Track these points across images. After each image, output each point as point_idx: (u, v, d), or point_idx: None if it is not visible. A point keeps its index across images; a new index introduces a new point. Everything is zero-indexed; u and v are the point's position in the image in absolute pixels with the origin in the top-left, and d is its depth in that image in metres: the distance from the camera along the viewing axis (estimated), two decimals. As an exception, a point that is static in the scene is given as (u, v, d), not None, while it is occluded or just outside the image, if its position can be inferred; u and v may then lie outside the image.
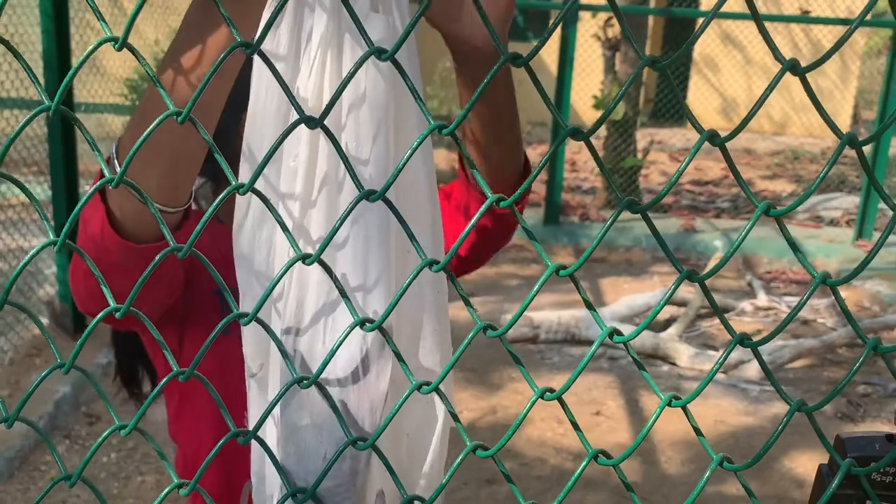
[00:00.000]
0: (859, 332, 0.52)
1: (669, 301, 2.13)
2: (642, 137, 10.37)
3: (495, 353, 3.76)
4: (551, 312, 3.84)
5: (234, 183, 0.45)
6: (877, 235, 5.26)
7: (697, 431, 0.53)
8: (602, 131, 6.37)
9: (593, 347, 0.50)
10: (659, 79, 11.21)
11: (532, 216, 5.71)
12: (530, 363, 3.64)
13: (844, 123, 10.68)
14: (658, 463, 2.81)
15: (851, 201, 6.58)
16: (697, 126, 0.50)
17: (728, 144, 0.48)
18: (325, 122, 0.45)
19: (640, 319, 4.02)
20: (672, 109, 10.71)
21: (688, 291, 4.21)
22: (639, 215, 0.51)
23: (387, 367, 0.55)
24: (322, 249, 0.42)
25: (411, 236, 0.45)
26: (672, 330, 3.67)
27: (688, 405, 0.59)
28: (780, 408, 3.23)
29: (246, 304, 0.58)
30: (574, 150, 9.43)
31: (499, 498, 2.59)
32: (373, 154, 0.51)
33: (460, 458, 0.55)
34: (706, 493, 2.65)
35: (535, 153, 8.59)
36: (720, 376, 3.49)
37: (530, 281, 4.72)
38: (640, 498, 2.18)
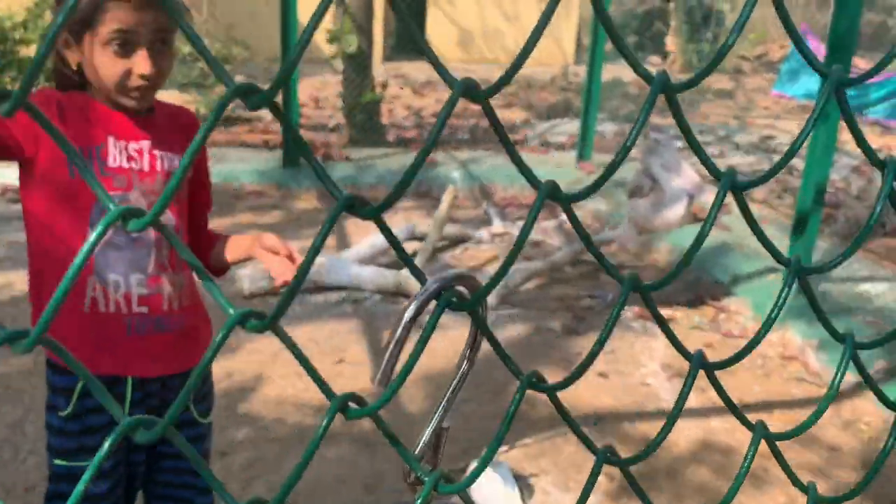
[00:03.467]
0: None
1: (413, 237, 2.10)
2: (386, 71, 10.31)
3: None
4: (290, 261, 3.67)
5: None
6: (596, 157, 5.67)
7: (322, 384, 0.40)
8: (339, 65, 6.18)
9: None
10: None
11: (271, 158, 5.43)
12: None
13: (569, 50, 11.42)
14: (401, 404, 2.80)
15: (576, 126, 7.06)
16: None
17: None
18: None
19: (385, 258, 3.98)
20: (415, 43, 10.77)
21: (427, 225, 4.23)
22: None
23: None
24: None
25: None
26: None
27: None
28: (513, 331, 3.37)
29: None
30: (317, 86, 9.15)
31: (233, 469, 2.42)
32: None
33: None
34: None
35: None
36: (460, 307, 3.56)
37: (269, 230, 4.48)
38: (384, 443, 2.06)
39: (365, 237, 4.16)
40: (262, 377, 2.97)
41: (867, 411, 2.83)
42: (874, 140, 7.66)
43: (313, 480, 2.40)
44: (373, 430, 2.63)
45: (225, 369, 3.01)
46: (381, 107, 7.43)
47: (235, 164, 5.28)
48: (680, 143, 6.74)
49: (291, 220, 4.71)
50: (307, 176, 5.20)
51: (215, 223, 5.02)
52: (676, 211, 3.27)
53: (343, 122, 6.66)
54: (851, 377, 2.98)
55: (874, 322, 3.13)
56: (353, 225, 4.63)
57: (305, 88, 8.95)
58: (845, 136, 7.53)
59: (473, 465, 2.43)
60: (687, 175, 3.84)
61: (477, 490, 2.31)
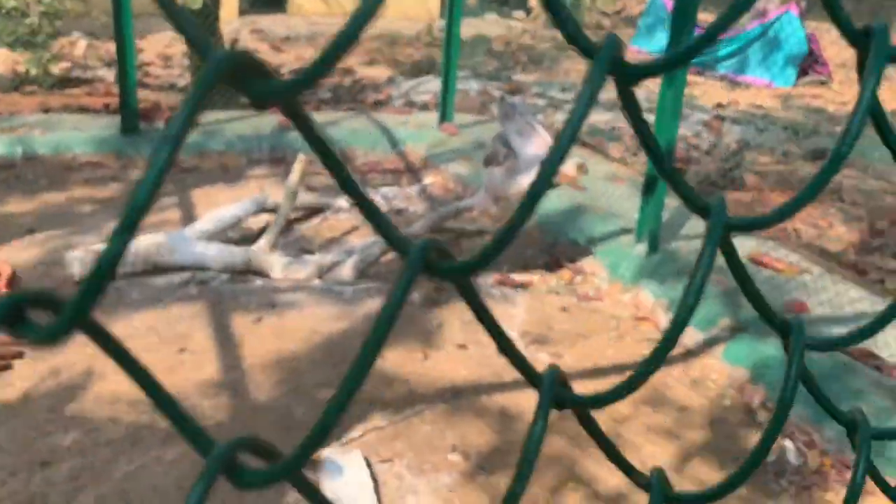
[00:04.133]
0: None
1: (264, 209, 1.89)
2: (243, 25, 9.76)
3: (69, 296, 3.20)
4: (127, 241, 3.37)
5: None
6: (459, 117, 5.57)
7: None
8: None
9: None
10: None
11: (110, 124, 4.99)
12: (106, 304, 3.17)
13: (434, 5, 11.24)
14: (247, 393, 2.63)
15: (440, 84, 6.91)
16: None
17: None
18: None
19: (234, 233, 3.74)
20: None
21: (280, 196, 4.01)
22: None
23: None
24: None
25: None
26: (263, 241, 3.46)
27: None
28: (372, 305, 3.25)
29: None
30: (166, 42, 8.54)
31: (56, 481, 2.19)
32: None
33: None
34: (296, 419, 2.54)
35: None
36: (315, 282, 3.40)
37: (107, 206, 4.12)
38: (228, 437, 1.93)
39: (210, 210, 3.88)
40: (93, 373, 2.71)
41: (714, 368, 2.92)
42: (723, 94, 7.99)
43: (149, 486, 2.21)
44: (216, 427, 2.45)
45: (51, 366, 2.72)
46: (236, 65, 7.02)
47: (69, 132, 4.80)
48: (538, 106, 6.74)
49: (130, 192, 4.35)
50: (149, 142, 4.81)
51: (46, 200, 4.60)
52: (531, 178, 3.23)
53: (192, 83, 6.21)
54: (701, 335, 3.07)
55: (719, 280, 3.23)
56: (201, 195, 4.34)
57: (153, 45, 8.33)
58: (696, 91, 7.81)
59: (327, 453, 2.32)
60: (541, 140, 3.80)
61: (327, 484, 2.19)
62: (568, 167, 4.25)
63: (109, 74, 6.92)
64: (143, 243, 3.33)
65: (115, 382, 2.66)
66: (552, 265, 3.65)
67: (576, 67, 8.65)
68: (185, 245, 3.37)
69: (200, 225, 3.54)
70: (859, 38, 0.38)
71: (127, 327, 3.00)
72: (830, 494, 2.30)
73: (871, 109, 0.37)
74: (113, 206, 4.09)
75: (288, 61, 8.04)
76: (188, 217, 3.99)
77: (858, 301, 3.08)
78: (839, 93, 8.41)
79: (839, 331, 2.91)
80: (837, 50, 10.02)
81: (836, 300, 3.14)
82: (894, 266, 3.60)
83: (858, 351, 2.78)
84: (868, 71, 0.37)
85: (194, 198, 4.29)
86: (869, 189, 5.07)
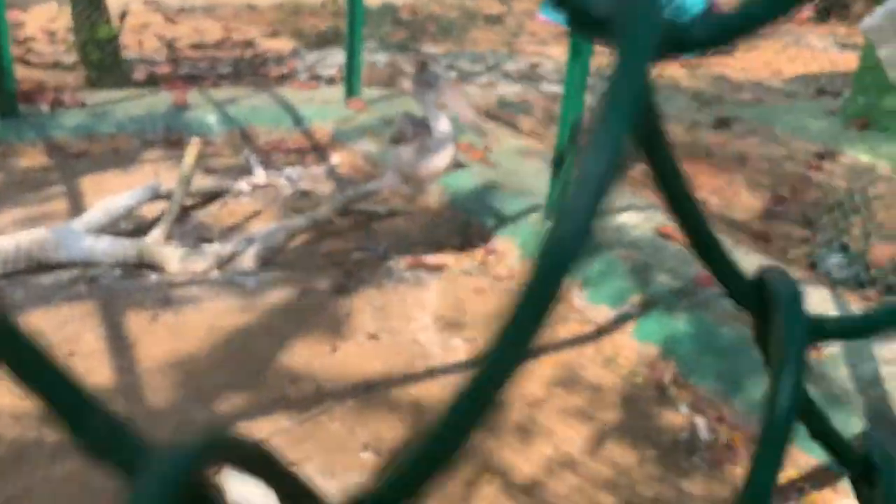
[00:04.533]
0: None
1: (158, 196, 1.67)
2: (134, -3, 9.18)
3: (-68, 303, 2.92)
4: (6, 239, 3.10)
5: None
6: (367, 91, 5.40)
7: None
8: (65, -6, 5.32)
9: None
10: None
11: (-14, 108, 4.59)
12: (-16, 307, 2.91)
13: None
14: (143, 397, 2.46)
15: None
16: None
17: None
18: None
19: (127, 224, 3.50)
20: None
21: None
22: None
23: None
24: None
25: None
26: (156, 232, 3.25)
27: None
28: (277, 297, 3.10)
29: None
30: (51, 17, 7.97)
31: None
32: None
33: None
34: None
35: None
36: (215, 274, 3.22)
37: (-18, 196, 3.80)
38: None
39: (107, 196, 3.62)
40: (-32, 386, 2.48)
41: (625, 346, 2.92)
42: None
43: (34, 510, 2.04)
44: (107, 438, 2.27)
45: (-83, 383, 2.47)
46: (129, 40, 6.60)
47: (-63, 116, 4.40)
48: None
49: (13, 182, 4.03)
50: (32, 127, 4.46)
51: None
52: (444, 157, 3.11)
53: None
54: (612, 313, 3.06)
55: (629, 255, 3.22)
56: (91, 182, 4.05)
57: (36, 18, 7.76)
58: (605, 61, 7.84)
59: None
60: (467, 109, 3.60)
61: (228, 496, 2.07)
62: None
63: (-13, 50, 6.39)
64: (25, 240, 3.07)
65: (-7, 396, 2.45)
66: (465, 245, 3.58)
67: (485, 37, 8.56)
68: (72, 239, 3.13)
69: (90, 216, 3.30)
70: (750, 300, 0.22)
71: (7, 333, 2.76)
72: (740, 469, 2.33)
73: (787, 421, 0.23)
74: (-9, 198, 3.77)
75: (184, 33, 7.63)
76: (77, 208, 3.72)
77: (763, 272, 3.13)
78: (742, 59, 8.61)
79: (745, 302, 2.95)
80: (738, 17, 10.23)
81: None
82: (797, 234, 3.69)
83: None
84: (776, 370, 0.20)
85: (83, 186, 4.01)
86: (771, 155, 5.20)
